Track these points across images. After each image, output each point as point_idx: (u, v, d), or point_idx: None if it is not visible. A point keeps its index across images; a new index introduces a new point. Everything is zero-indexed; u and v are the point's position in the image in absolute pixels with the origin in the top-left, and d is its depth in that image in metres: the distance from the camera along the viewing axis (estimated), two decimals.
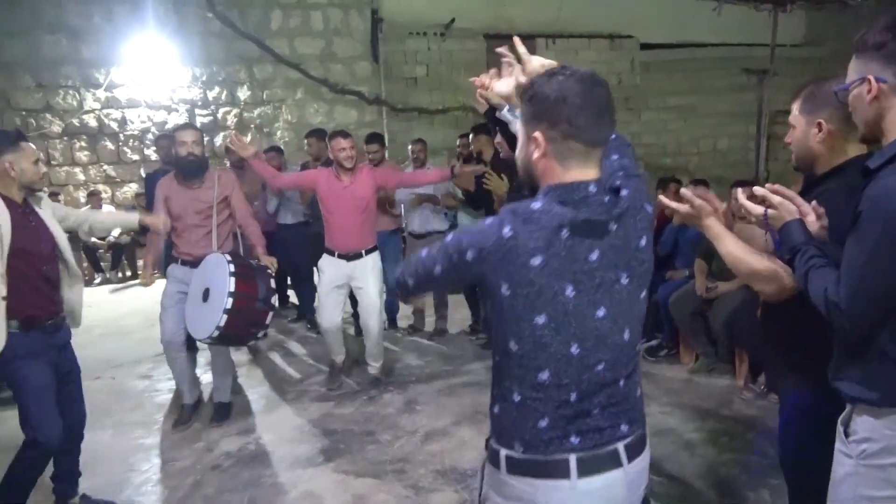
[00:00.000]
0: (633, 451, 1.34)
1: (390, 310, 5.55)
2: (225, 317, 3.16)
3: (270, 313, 3.43)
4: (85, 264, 8.66)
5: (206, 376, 4.37)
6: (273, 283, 3.50)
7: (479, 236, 1.26)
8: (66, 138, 9.12)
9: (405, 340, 5.40)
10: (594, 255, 1.25)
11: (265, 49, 8.92)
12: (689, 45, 10.94)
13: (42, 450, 2.60)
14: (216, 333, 3.24)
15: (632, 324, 1.33)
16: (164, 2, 8.95)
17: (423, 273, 1.38)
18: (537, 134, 1.29)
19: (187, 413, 3.86)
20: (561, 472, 1.28)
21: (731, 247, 1.75)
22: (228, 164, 5.61)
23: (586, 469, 1.28)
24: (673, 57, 11.04)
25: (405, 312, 5.76)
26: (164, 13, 8.97)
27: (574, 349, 1.26)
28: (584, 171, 1.28)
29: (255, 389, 4.39)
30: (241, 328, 3.32)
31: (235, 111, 9.62)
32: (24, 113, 8.89)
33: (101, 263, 8.78)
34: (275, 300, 3.53)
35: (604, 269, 1.26)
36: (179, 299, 3.66)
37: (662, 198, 1.85)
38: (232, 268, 3.26)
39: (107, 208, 8.59)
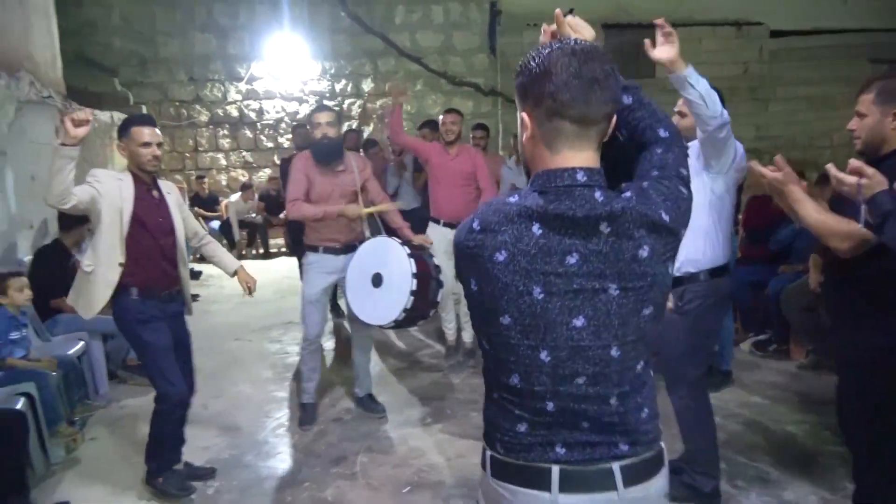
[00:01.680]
0: (634, 475, 1.17)
1: None
2: (412, 298, 3.12)
3: (441, 290, 3.39)
4: (223, 241, 9.60)
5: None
6: (436, 261, 3.46)
7: (460, 230, 1.19)
8: (211, 127, 10.11)
9: None
10: (573, 259, 1.11)
11: (390, 44, 9.39)
12: (824, 31, 10.27)
13: (172, 401, 2.85)
14: (402, 316, 3.19)
15: (624, 340, 1.15)
16: (299, 1, 9.67)
17: None
18: (523, 114, 1.18)
19: (311, 412, 3.73)
20: (542, 482, 1.16)
21: (811, 210, 1.95)
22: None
23: (570, 484, 1.15)
24: (806, 44, 10.42)
25: None
26: (299, 12, 9.70)
27: (544, 356, 1.14)
28: (574, 156, 1.14)
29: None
30: (422, 308, 3.27)
31: (359, 102, 10.23)
32: (177, 104, 9.95)
33: (237, 240, 9.68)
34: (442, 277, 3.44)
35: (584, 276, 1.12)
36: (324, 291, 3.66)
37: (754, 163, 2.00)
38: (408, 249, 3.24)
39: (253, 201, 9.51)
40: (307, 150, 3.63)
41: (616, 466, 1.16)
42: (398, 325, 3.34)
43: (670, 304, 2.64)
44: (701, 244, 2.60)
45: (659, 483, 1.22)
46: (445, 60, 10.06)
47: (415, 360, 4.73)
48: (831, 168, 1.93)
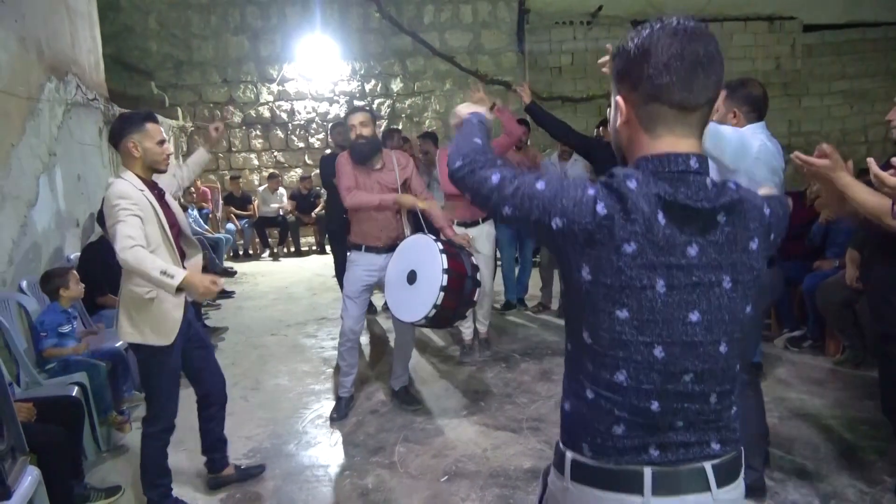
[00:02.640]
0: (725, 475, 1.13)
1: (521, 288, 6.00)
2: (442, 294, 3.10)
3: (478, 290, 3.35)
4: (257, 240, 9.79)
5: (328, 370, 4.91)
6: (475, 261, 3.45)
7: (574, 207, 1.06)
8: (244, 127, 10.30)
9: (537, 318, 5.71)
10: (693, 250, 1.06)
11: (422, 43, 9.46)
12: (858, 24, 10.11)
13: (165, 425, 2.71)
14: (433, 313, 3.16)
15: (731, 336, 1.11)
16: (330, 2, 9.82)
17: (476, 181, 1.20)
18: (618, 98, 1.12)
19: (344, 406, 3.78)
20: (633, 486, 1.09)
21: (865, 192, 1.96)
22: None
23: (664, 487, 1.09)
24: (840, 38, 10.27)
25: (532, 293, 6.08)
26: (330, 13, 9.85)
27: (658, 352, 1.08)
28: (677, 141, 1.08)
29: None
30: (454, 307, 3.24)
31: (389, 102, 10.34)
32: (211, 105, 10.16)
33: (269, 240, 9.85)
34: (479, 276, 3.41)
35: (703, 268, 1.07)
36: (365, 288, 3.68)
37: (798, 153, 1.98)
38: (440, 245, 3.22)
39: (281, 191, 9.69)
40: (346, 151, 3.70)
41: (709, 466, 1.11)
42: (431, 323, 3.33)
43: None
44: None
45: (743, 484, 1.19)
46: (474, 59, 10.12)
47: (449, 355, 4.80)
48: (872, 164, 1.94)
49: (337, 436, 3.55)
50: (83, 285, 3.64)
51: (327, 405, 3.91)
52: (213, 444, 3.01)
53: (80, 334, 3.65)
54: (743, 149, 2.34)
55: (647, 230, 1.03)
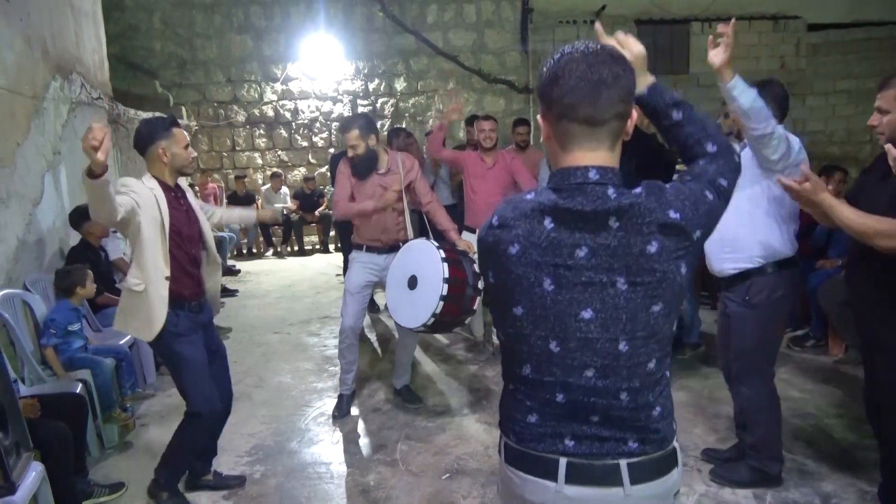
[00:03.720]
0: (642, 473, 1.19)
1: None
2: (441, 304, 3.06)
3: (478, 298, 3.28)
4: (260, 238, 9.81)
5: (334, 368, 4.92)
6: (476, 268, 3.28)
7: (480, 228, 1.25)
8: (248, 127, 10.32)
9: None
10: (582, 252, 1.14)
11: (425, 42, 9.46)
12: (863, 24, 10.07)
13: (203, 420, 2.72)
14: (431, 321, 3.13)
15: (632, 335, 1.16)
16: (334, 2, 9.84)
17: None
18: (539, 116, 1.23)
19: (346, 404, 3.81)
20: (548, 472, 1.20)
21: (848, 213, 1.94)
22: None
23: (576, 477, 1.18)
24: (845, 37, 10.23)
25: None
26: (334, 13, 9.86)
27: (553, 346, 1.17)
28: (584, 155, 1.16)
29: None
30: (454, 314, 3.21)
31: (392, 101, 10.35)
32: (216, 104, 10.18)
33: (273, 238, 9.87)
34: (480, 284, 3.28)
35: (593, 269, 1.14)
36: (366, 285, 3.71)
37: (780, 177, 2.01)
38: (442, 254, 3.16)
39: (284, 190, 9.69)
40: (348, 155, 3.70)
41: (624, 463, 1.18)
42: (429, 329, 3.30)
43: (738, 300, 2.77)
44: (764, 238, 2.65)
45: (670, 482, 1.23)
46: (478, 58, 10.12)
47: (451, 354, 4.81)
48: (891, 149, 1.95)
49: (339, 433, 3.56)
50: (94, 285, 3.66)
51: (329, 403, 3.93)
52: (203, 452, 2.96)
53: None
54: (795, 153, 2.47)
55: (528, 234, 1.16)
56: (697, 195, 1.19)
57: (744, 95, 2.42)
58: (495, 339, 4.69)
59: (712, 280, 5.46)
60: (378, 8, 9.46)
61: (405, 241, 3.62)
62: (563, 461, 1.19)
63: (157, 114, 8.28)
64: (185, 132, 2.75)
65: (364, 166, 3.61)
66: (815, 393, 3.82)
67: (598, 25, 1.36)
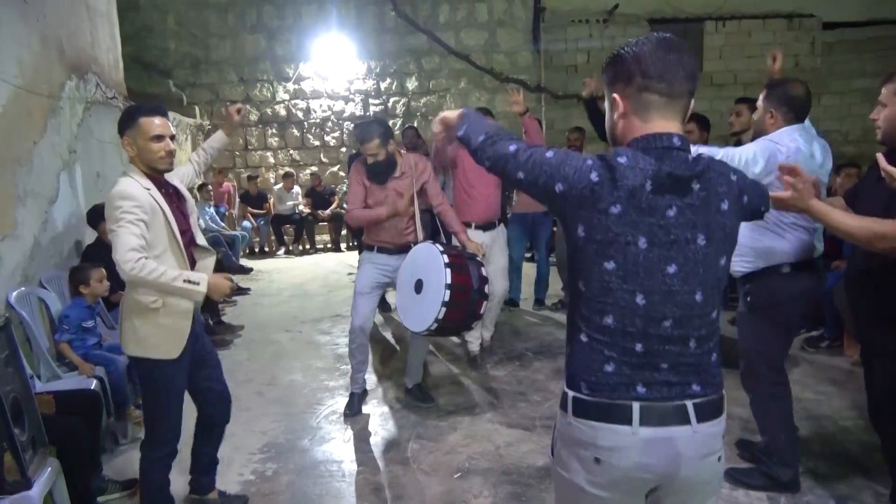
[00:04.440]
0: (704, 413, 1.31)
1: (541, 289, 5.95)
2: (444, 309, 3.05)
3: (485, 303, 3.28)
4: (272, 237, 9.86)
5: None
6: (484, 272, 3.36)
7: (574, 174, 1.28)
8: (260, 126, 10.39)
9: (551, 317, 5.70)
10: (672, 212, 1.26)
11: (438, 42, 9.46)
12: (879, 22, 9.97)
13: (166, 450, 2.48)
14: (434, 326, 3.13)
15: (706, 287, 1.30)
16: (346, 1, 9.86)
17: (493, 150, 1.41)
18: (615, 95, 1.35)
19: (357, 402, 3.78)
20: (624, 417, 1.28)
21: (842, 218, 1.90)
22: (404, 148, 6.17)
23: (650, 418, 1.28)
24: (861, 36, 10.14)
25: (554, 290, 6.06)
26: (346, 12, 9.89)
27: (640, 300, 1.28)
28: (665, 124, 1.30)
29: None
30: (458, 319, 3.18)
31: (404, 100, 10.37)
32: (228, 103, 10.20)
33: (285, 237, 9.92)
34: (487, 288, 3.33)
35: (680, 227, 1.27)
36: (376, 286, 3.70)
37: (772, 193, 2.00)
38: (446, 259, 3.13)
39: (297, 189, 9.74)
40: (362, 158, 3.66)
41: (690, 404, 1.30)
42: (434, 333, 3.30)
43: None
44: (761, 243, 2.63)
45: (723, 424, 1.36)
46: (490, 58, 10.12)
47: (463, 353, 4.80)
48: (881, 159, 1.93)
49: (350, 432, 3.57)
50: (107, 283, 3.69)
51: (341, 401, 3.94)
52: (206, 465, 2.78)
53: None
54: (745, 168, 2.41)
55: (630, 195, 1.25)
56: (742, 170, 1.46)
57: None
58: (484, 335, 4.57)
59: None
60: (390, 7, 9.47)
61: (416, 242, 3.63)
62: (636, 405, 1.28)
63: (171, 113, 8.34)
64: (161, 121, 2.36)
65: (383, 172, 3.60)
66: (829, 395, 3.78)
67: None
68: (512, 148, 1.38)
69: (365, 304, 3.68)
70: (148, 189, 2.33)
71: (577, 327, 1.36)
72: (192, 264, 2.50)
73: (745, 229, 2.64)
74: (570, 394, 1.35)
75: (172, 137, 2.42)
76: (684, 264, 1.28)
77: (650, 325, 1.29)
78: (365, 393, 3.93)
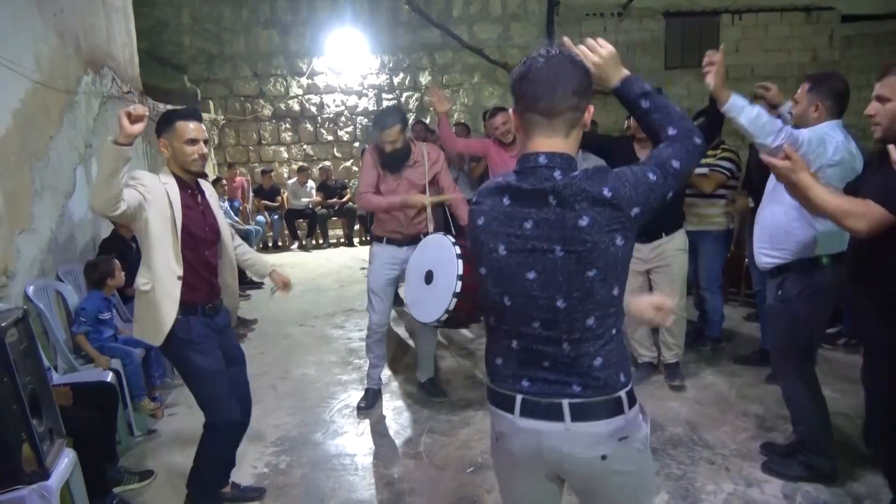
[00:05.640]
0: (582, 413, 1.38)
1: None
2: (454, 300, 3.03)
3: None
4: (286, 232, 9.90)
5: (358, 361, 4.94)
6: None
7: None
8: (274, 121, 10.41)
9: None
10: (528, 224, 1.36)
11: (452, 36, 9.43)
12: None
13: (225, 430, 2.61)
14: (445, 317, 3.13)
15: (569, 295, 1.35)
16: None
17: None
18: (511, 110, 1.47)
19: (372, 398, 3.79)
20: (509, 406, 1.45)
21: (822, 193, 1.95)
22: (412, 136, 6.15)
23: (528, 411, 1.42)
24: (880, 29, 9.99)
25: None
26: (360, 6, 9.88)
27: (507, 301, 1.42)
28: (543, 142, 1.38)
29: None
30: (469, 311, 3.17)
31: (417, 95, 10.36)
32: (242, 98, 10.29)
33: (298, 232, 9.95)
34: None
35: (536, 238, 1.36)
36: (388, 283, 3.70)
37: (763, 155, 2.07)
38: (458, 250, 3.12)
39: (310, 184, 9.75)
40: (377, 145, 3.64)
41: (566, 403, 1.39)
42: (444, 325, 3.30)
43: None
44: (795, 236, 2.62)
45: (612, 425, 1.39)
46: (503, 52, 10.08)
47: (475, 348, 4.80)
48: (892, 151, 1.91)
49: (364, 425, 3.58)
50: (123, 275, 3.72)
51: (354, 395, 3.95)
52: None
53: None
54: (822, 147, 2.48)
55: (491, 208, 1.42)
56: (638, 176, 1.35)
57: (742, 115, 2.49)
58: None
59: (741, 276, 5.41)
60: (404, 2, 9.47)
61: (426, 233, 3.61)
62: (518, 397, 1.44)
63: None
64: (195, 126, 2.49)
65: (399, 160, 3.58)
66: (846, 392, 3.73)
67: (565, 39, 1.50)
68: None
69: (380, 302, 3.70)
70: (165, 183, 2.46)
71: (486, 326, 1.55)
72: (212, 270, 2.64)
73: (781, 221, 2.67)
74: (486, 379, 1.56)
75: (206, 142, 2.55)
76: (542, 272, 1.36)
77: (521, 325, 1.42)
78: (380, 391, 3.91)
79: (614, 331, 1.41)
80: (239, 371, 2.77)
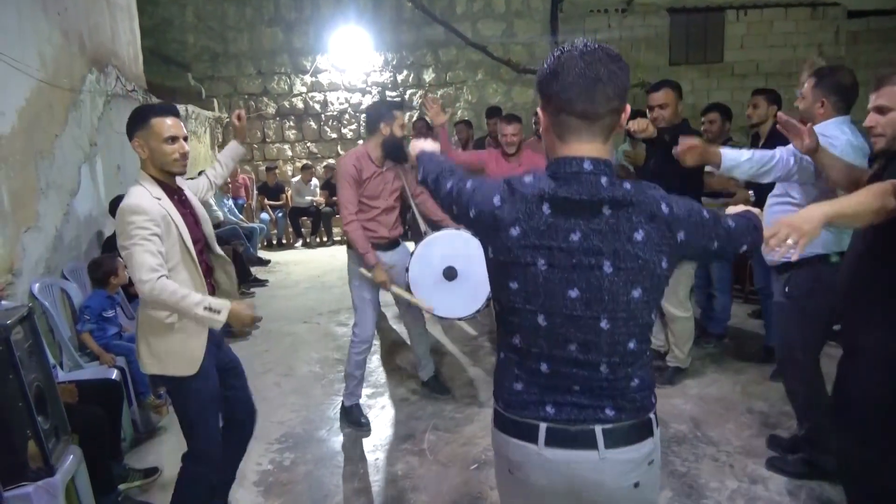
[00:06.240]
0: (616, 439, 1.28)
1: None
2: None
3: None
4: (290, 229, 9.91)
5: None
6: None
7: (483, 199, 1.32)
8: (278, 119, 10.43)
9: None
10: (575, 236, 1.23)
11: (456, 33, 9.41)
12: None
13: (208, 463, 2.36)
14: (485, 307, 3.12)
15: (613, 315, 1.25)
16: None
17: (439, 190, 1.49)
18: (539, 109, 1.33)
19: (360, 413, 3.59)
20: (530, 435, 1.30)
21: (842, 166, 2.01)
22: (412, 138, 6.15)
23: (555, 440, 1.28)
24: (887, 25, 9.93)
25: None
26: (363, 4, 9.88)
27: (541, 320, 1.27)
28: (580, 147, 1.25)
29: (438, 342, 4.91)
30: None
31: (421, 92, 10.35)
32: (246, 97, 10.30)
33: (302, 229, 9.97)
34: None
35: (583, 252, 1.23)
36: (376, 293, 3.56)
37: (780, 114, 2.12)
38: None
39: (314, 181, 9.74)
40: (358, 150, 3.44)
41: (599, 429, 1.28)
42: (470, 316, 3.35)
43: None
44: None
45: (644, 449, 1.31)
46: (507, 49, 10.06)
47: (479, 345, 4.81)
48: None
49: (367, 422, 3.59)
50: (126, 272, 3.73)
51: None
52: (222, 480, 2.62)
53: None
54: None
55: (528, 217, 1.25)
56: (694, 207, 1.29)
57: (739, 169, 2.57)
58: None
59: (745, 275, 5.40)
60: None
61: (402, 236, 3.61)
62: (542, 426, 1.30)
63: (190, 106, 8.39)
64: (173, 122, 2.24)
65: (403, 148, 3.38)
66: None
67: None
68: (448, 186, 1.44)
69: (370, 310, 3.55)
70: (159, 199, 2.20)
71: (499, 345, 1.41)
72: (208, 271, 2.41)
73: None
74: (494, 405, 1.41)
75: (185, 139, 2.29)
76: (587, 289, 1.24)
77: (555, 347, 1.28)
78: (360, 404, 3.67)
79: (649, 353, 1.34)
80: (238, 380, 2.58)
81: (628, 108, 1.27)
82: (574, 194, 1.23)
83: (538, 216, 1.25)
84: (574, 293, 1.25)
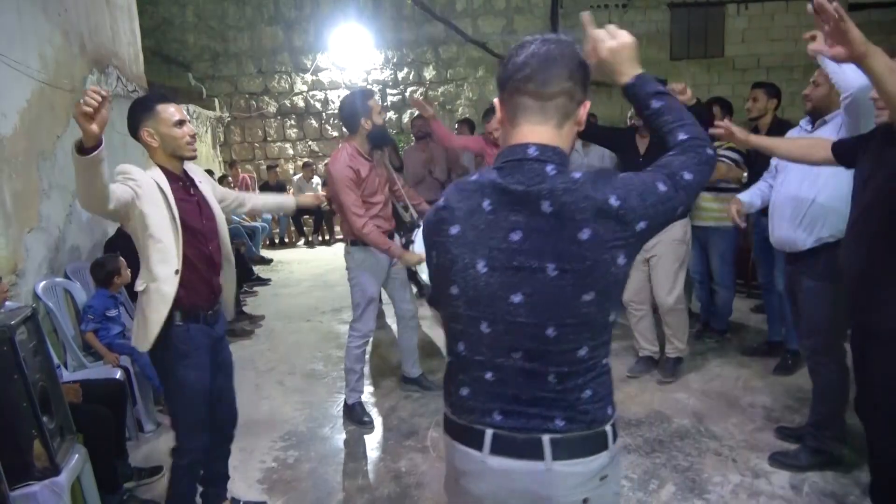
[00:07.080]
0: (565, 450, 1.18)
1: None
2: None
3: None
4: (292, 228, 9.93)
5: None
6: None
7: (429, 210, 1.28)
8: (279, 117, 10.44)
9: None
10: (516, 236, 1.14)
11: (456, 30, 9.39)
12: None
13: (194, 456, 2.36)
14: None
15: (561, 322, 1.15)
16: None
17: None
18: (496, 100, 1.24)
19: (363, 410, 3.60)
20: (475, 441, 1.23)
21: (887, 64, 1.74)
22: (414, 138, 6.15)
23: (500, 448, 1.21)
24: (889, 17, 9.88)
25: None
26: (363, 2, 9.88)
27: (484, 328, 1.19)
28: (531, 130, 1.17)
29: (439, 340, 4.92)
30: None
31: (421, 90, 10.35)
32: (247, 96, 10.31)
33: (304, 228, 9.98)
34: None
35: (525, 254, 1.14)
36: (378, 289, 3.58)
37: (813, 42, 1.87)
38: None
39: (316, 179, 9.74)
40: (345, 151, 3.34)
41: (547, 438, 1.18)
42: None
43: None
44: (838, 212, 2.58)
45: (595, 463, 1.21)
46: (507, 45, 10.03)
47: None
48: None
49: (370, 420, 3.60)
50: (129, 272, 3.75)
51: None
52: (212, 477, 2.63)
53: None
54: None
55: (469, 214, 1.18)
56: (647, 185, 1.15)
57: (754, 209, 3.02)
58: None
59: (747, 269, 5.38)
60: None
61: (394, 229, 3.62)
62: (489, 432, 1.22)
63: (192, 105, 8.39)
64: (176, 108, 2.26)
65: (386, 135, 3.52)
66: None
67: (584, 15, 1.35)
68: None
69: (374, 308, 3.58)
70: (154, 177, 2.21)
71: (447, 349, 1.32)
72: (215, 268, 2.40)
73: (820, 199, 2.66)
74: (444, 409, 1.33)
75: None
76: (532, 294, 1.14)
77: (498, 356, 1.20)
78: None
79: (605, 361, 1.23)
80: (226, 381, 2.54)
81: (587, 103, 1.20)
82: (513, 184, 1.14)
83: (479, 213, 1.17)
84: (517, 298, 1.15)
